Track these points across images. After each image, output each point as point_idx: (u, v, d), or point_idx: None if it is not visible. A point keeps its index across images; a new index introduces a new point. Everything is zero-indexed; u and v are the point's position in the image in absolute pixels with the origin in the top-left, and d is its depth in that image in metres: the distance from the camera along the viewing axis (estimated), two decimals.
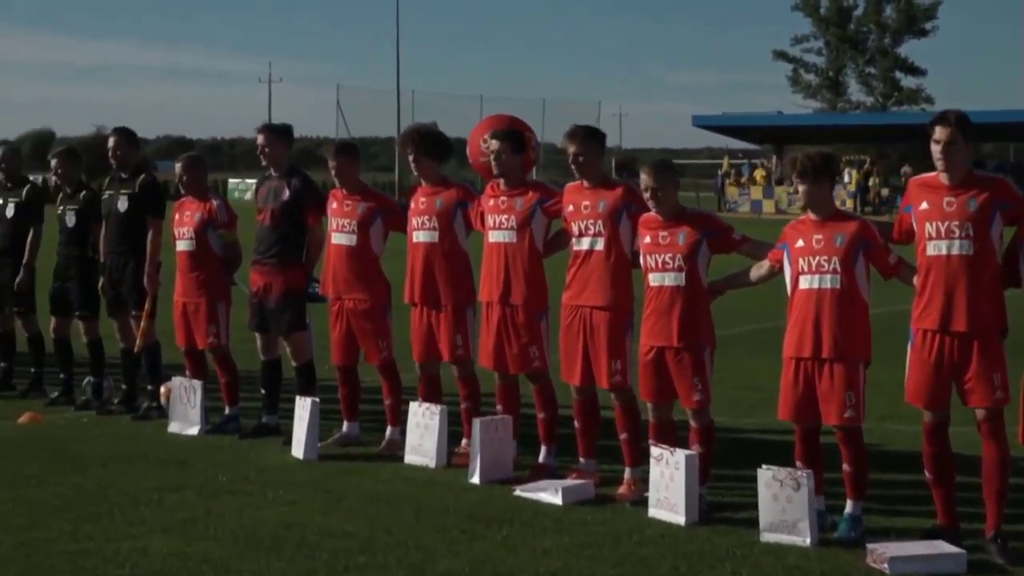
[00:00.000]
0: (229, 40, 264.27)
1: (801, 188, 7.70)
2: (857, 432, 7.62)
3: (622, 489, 8.49)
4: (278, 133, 10.18)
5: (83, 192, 11.47)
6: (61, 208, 11.53)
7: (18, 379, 12.27)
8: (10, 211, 11.95)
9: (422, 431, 9.37)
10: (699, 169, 72.72)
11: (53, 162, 11.50)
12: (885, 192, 58.42)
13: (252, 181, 79.06)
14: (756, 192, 60.78)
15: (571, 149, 8.52)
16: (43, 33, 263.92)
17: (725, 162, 66.73)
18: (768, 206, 58.85)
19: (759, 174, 63.47)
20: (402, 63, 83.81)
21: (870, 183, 58.17)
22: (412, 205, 9.51)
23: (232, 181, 74.03)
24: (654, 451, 8.09)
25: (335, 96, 75.30)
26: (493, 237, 9.04)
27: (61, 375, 11.73)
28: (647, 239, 8.24)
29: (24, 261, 11.84)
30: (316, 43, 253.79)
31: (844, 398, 7.50)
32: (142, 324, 10.83)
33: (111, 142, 11.03)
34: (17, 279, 11.82)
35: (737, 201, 60.37)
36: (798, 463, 7.74)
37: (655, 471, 8.05)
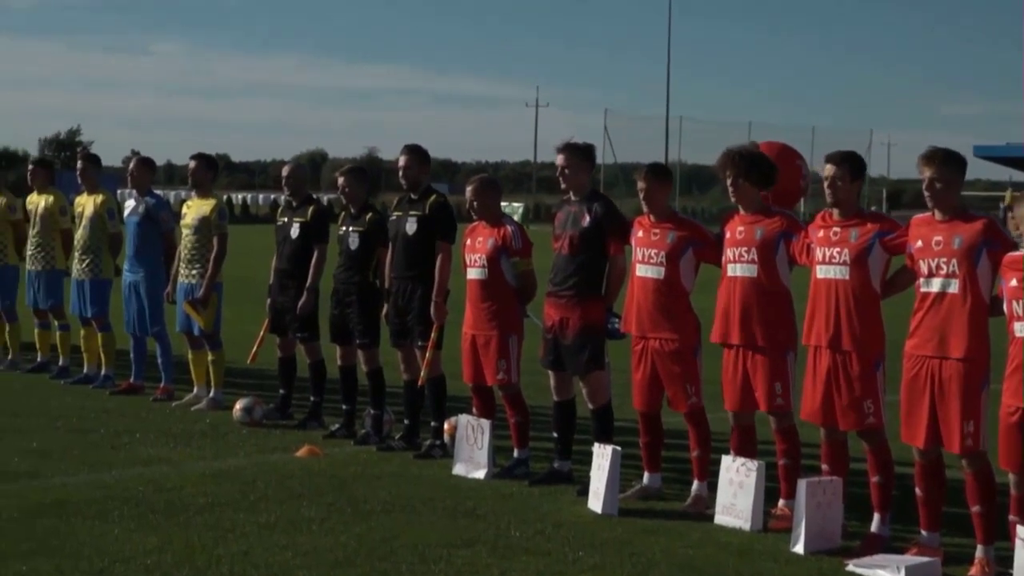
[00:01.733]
0: (497, 66, 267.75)
1: None
2: None
3: (973, 570, 7.33)
4: (581, 154, 9.32)
5: (369, 214, 10.86)
6: (344, 229, 10.95)
7: (296, 407, 11.76)
8: (295, 231, 11.43)
9: (736, 489, 8.37)
10: (975, 201, 69.46)
11: (340, 180, 10.93)
12: None
13: (518, 205, 79.68)
14: None
15: (926, 174, 7.41)
16: (317, 58, 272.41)
17: (1008, 195, 63.39)
18: None
19: None
20: (670, 89, 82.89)
21: None
22: (728, 235, 8.54)
23: None
24: (1021, 531, 6.89)
25: (602, 121, 75.21)
26: (822, 273, 8.00)
27: (344, 406, 11.13)
28: (1013, 282, 7.08)
29: (308, 284, 11.28)
30: (584, 69, 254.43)
31: None
32: (427, 355, 10.13)
33: (402, 160, 10.37)
34: (300, 303, 11.29)
35: (1023, 234, 57.00)
36: None
37: (1022, 555, 6.86)
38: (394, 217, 10.44)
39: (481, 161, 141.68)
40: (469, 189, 9.80)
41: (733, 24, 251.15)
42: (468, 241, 9.85)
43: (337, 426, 11.07)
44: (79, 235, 13.15)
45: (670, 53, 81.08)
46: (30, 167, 14.19)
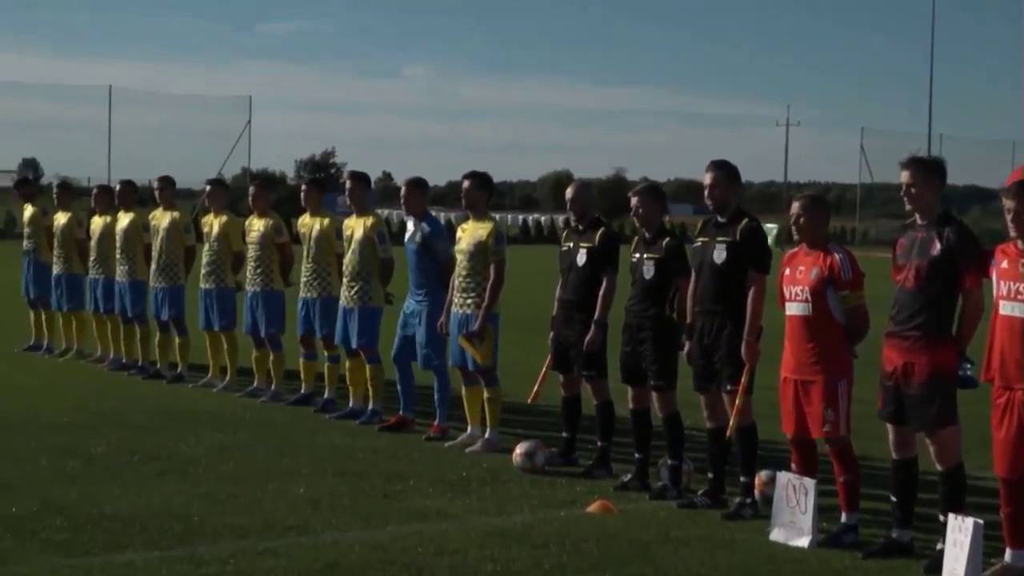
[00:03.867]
0: (745, 86, 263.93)
1: None
2: None
3: None
4: (929, 170, 7.94)
5: (666, 239, 9.66)
6: (637, 256, 9.77)
7: (580, 452, 10.66)
8: (581, 258, 10.31)
9: None
10: None
11: (633, 200, 9.75)
12: None
13: (772, 226, 77.42)
14: None
15: None
16: (561, 79, 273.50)
17: None
18: None
19: None
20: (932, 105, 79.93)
21: None
22: None
23: None
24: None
25: (857, 140, 73.28)
26: None
27: (636, 454, 9.94)
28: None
29: (595, 317, 10.15)
30: (838, 87, 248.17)
31: None
32: (737, 402, 8.87)
33: (708, 179, 9.13)
34: (587, 338, 10.17)
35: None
36: None
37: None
38: (699, 243, 9.23)
39: None
40: (797, 205, 8.50)
41: (995, 37, 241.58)
42: (787, 271, 8.56)
43: (629, 476, 9.89)
44: (348, 260, 12.31)
45: (933, 69, 78.03)
46: (303, 188, 13.44)
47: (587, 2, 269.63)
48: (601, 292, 10.21)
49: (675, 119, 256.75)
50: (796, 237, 8.54)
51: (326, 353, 13.06)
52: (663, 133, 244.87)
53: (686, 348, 9.32)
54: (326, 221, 12.95)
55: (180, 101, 70.40)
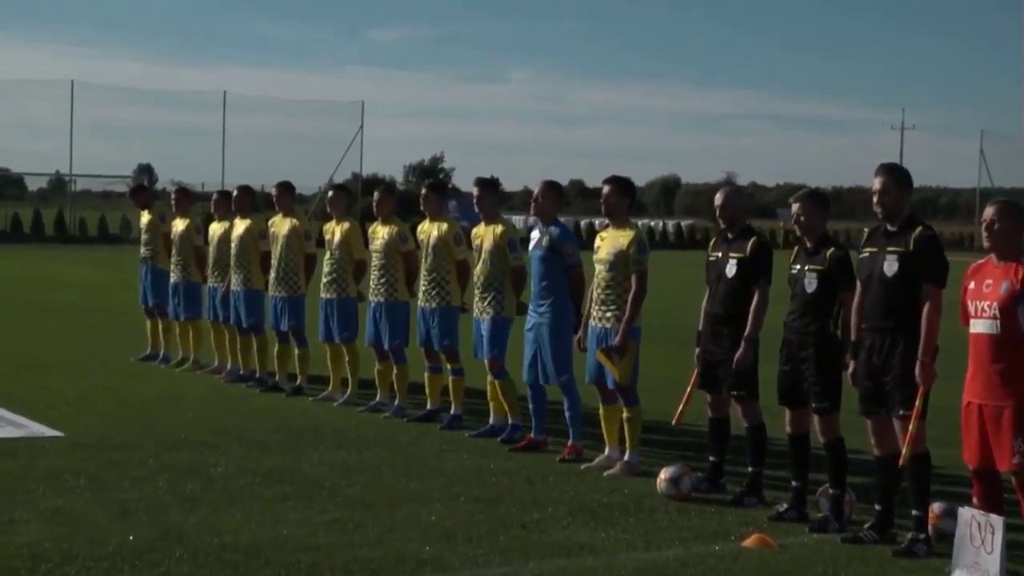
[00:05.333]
0: (857, 89, 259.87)
1: None
2: None
3: None
4: None
5: (830, 249, 8.91)
6: (797, 268, 9.01)
7: (729, 478, 9.92)
8: (731, 269, 9.59)
9: None
10: None
11: (795, 207, 9.02)
12: None
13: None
14: None
15: None
16: (665, 82, 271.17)
17: None
18: None
19: None
20: None
21: None
22: None
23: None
24: None
25: (976, 144, 72.05)
26: None
27: (793, 482, 9.18)
28: None
29: (746, 333, 9.43)
30: (956, 90, 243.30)
31: None
32: (911, 428, 8.08)
33: (877, 184, 8.34)
34: (737, 355, 9.45)
35: None
36: None
37: None
38: (866, 254, 8.45)
39: (837, 186, 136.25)
40: (991, 210, 7.69)
41: None
42: (971, 284, 7.75)
43: (785, 506, 9.14)
44: (478, 270, 11.68)
45: None
46: (423, 191, 12.84)
47: (693, 5, 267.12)
48: (752, 306, 9.49)
49: (784, 123, 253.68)
50: (986, 245, 7.73)
51: (449, 366, 12.46)
52: (771, 137, 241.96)
53: (850, 368, 8.56)
54: (444, 227, 12.35)
55: (293, 107, 70.85)
